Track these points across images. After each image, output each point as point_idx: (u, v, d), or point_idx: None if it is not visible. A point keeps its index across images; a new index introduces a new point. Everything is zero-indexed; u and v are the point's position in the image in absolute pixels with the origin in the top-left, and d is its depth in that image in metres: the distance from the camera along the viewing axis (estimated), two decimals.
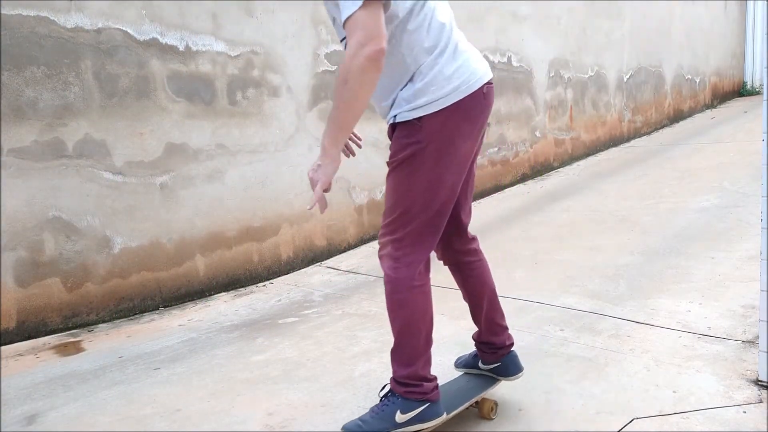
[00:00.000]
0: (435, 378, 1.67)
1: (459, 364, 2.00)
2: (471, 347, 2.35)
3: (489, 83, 1.64)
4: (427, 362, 1.65)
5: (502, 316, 1.88)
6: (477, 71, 1.60)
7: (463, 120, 1.57)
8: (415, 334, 1.62)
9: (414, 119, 1.55)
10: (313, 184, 1.51)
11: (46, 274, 2.87)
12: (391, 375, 1.68)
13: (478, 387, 1.85)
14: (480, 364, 1.90)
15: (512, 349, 1.88)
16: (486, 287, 1.83)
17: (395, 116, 1.58)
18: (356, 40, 1.38)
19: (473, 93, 1.57)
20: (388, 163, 1.62)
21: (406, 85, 1.55)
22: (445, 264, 1.85)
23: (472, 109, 1.58)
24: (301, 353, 2.48)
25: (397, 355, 1.65)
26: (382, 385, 1.81)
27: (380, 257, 1.65)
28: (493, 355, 1.86)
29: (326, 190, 1.53)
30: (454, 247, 1.80)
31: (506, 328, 1.88)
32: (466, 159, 1.62)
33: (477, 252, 1.83)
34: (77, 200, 2.94)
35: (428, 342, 1.65)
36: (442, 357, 2.30)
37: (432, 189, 1.58)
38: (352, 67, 1.38)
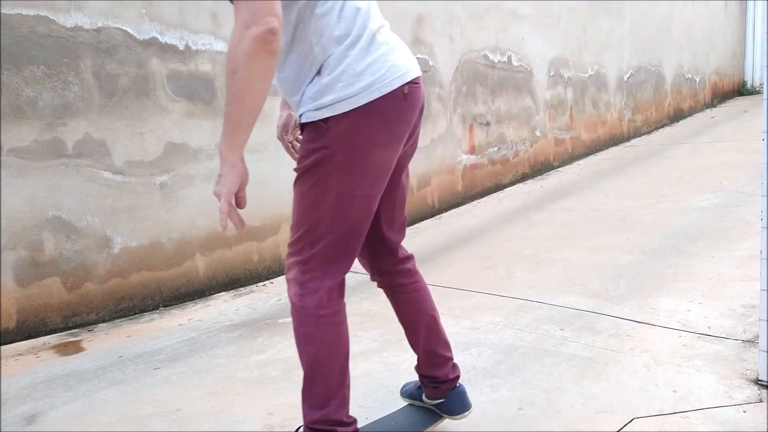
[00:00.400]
0: (353, 421, 1.45)
1: (404, 393, 1.81)
2: (471, 346, 2.37)
3: (414, 82, 1.39)
4: (343, 404, 1.43)
5: (446, 345, 1.65)
6: (397, 68, 1.36)
7: (378, 124, 1.33)
8: (326, 373, 1.40)
9: (319, 120, 1.32)
10: (218, 199, 1.29)
11: (46, 273, 2.87)
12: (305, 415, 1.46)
13: (418, 424, 1.66)
14: (424, 398, 1.71)
15: (458, 383, 1.66)
16: (422, 313, 1.61)
17: (300, 116, 1.36)
18: (241, 21, 1.16)
19: (391, 93, 1.33)
20: (295, 170, 1.40)
21: (313, 79, 1.33)
22: (378, 286, 1.65)
23: (390, 111, 1.34)
24: None
25: (307, 395, 1.42)
26: (297, 426, 1.62)
27: (287, 281, 1.43)
28: (436, 390, 1.64)
29: (240, 205, 1.31)
30: (383, 268, 1.59)
31: (450, 359, 1.65)
32: (384, 169, 1.39)
33: (411, 273, 1.61)
34: (77, 200, 2.94)
35: (343, 380, 1.42)
36: None
37: (342, 203, 1.35)
38: (238, 53, 1.16)
